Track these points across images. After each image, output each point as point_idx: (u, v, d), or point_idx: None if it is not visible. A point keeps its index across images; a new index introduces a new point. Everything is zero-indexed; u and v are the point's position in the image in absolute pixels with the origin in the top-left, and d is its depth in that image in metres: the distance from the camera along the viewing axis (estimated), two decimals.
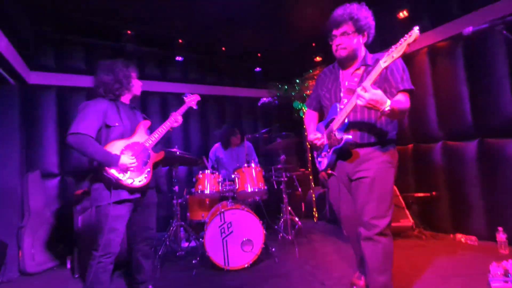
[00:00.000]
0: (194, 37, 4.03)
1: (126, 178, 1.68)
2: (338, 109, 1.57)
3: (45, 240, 2.94)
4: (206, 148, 4.10)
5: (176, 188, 3.00)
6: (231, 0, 3.15)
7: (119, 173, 1.66)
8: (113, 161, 1.64)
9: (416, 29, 1.19)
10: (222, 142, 3.62)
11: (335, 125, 1.55)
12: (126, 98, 1.92)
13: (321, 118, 1.86)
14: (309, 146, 3.99)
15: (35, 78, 3.40)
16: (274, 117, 5.28)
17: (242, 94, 5.00)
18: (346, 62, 1.63)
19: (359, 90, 1.29)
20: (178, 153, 2.95)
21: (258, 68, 4.86)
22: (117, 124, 1.75)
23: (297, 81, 4.35)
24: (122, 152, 1.71)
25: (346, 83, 1.59)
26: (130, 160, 1.69)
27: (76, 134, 1.63)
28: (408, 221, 2.92)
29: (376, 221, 1.46)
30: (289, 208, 3.22)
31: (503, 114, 2.54)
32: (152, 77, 4.21)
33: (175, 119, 2.03)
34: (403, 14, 3.24)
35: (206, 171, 2.88)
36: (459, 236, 2.77)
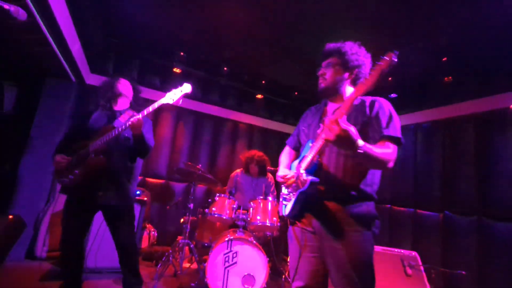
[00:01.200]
0: (239, 67, 4.29)
1: (58, 176, 1.84)
2: (309, 147, 1.36)
3: (58, 229, 3.06)
4: (230, 172, 4.15)
5: (191, 205, 3.02)
6: (279, 43, 3.37)
7: (56, 171, 1.85)
8: (52, 158, 1.86)
9: (392, 54, 1.11)
10: (244, 167, 3.65)
11: (304, 164, 1.33)
12: (117, 104, 2.07)
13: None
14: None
15: (92, 79, 3.78)
16: None
17: (273, 127, 5.11)
18: (327, 96, 1.49)
19: (328, 122, 1.10)
20: (200, 171, 3.02)
21: (293, 105, 4.99)
22: (83, 128, 1.96)
23: None
24: (69, 153, 1.87)
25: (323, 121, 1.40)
26: (59, 159, 1.84)
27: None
28: None
29: None
30: None
31: None
32: (192, 97, 4.49)
33: (131, 121, 1.83)
34: (447, 79, 3.23)
35: (223, 195, 2.88)
36: None
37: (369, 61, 1.45)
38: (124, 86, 2.08)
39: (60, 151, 1.88)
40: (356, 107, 1.36)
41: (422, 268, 2.79)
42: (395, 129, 1.28)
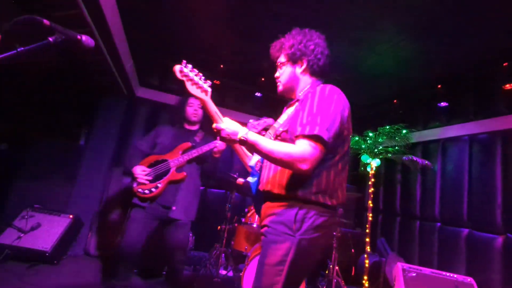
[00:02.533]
0: (273, 78, 4.33)
1: (136, 186, 1.95)
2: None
3: (110, 229, 3.33)
4: None
5: (228, 214, 3.08)
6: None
7: (132, 180, 1.98)
8: (130, 169, 2.00)
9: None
10: None
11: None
12: (187, 125, 2.23)
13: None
14: (370, 205, 3.67)
15: (141, 92, 4.11)
16: None
17: None
18: (287, 97, 1.38)
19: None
20: (237, 180, 3.07)
21: None
22: (159, 142, 2.12)
23: (370, 134, 4.17)
24: (148, 165, 2.01)
25: (280, 121, 1.35)
26: (140, 171, 1.95)
27: (132, 145, 2.21)
28: None
29: None
30: (337, 268, 2.93)
31: None
32: (229, 107, 4.63)
33: (215, 143, 2.01)
34: (510, 86, 2.89)
35: None
36: None
37: (319, 41, 1.30)
38: (195, 107, 2.20)
39: (136, 160, 2.04)
40: (300, 102, 1.21)
41: None
42: (314, 124, 1.07)
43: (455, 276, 2.64)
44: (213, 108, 1.25)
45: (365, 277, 3.74)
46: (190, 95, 1.23)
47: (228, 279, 3.08)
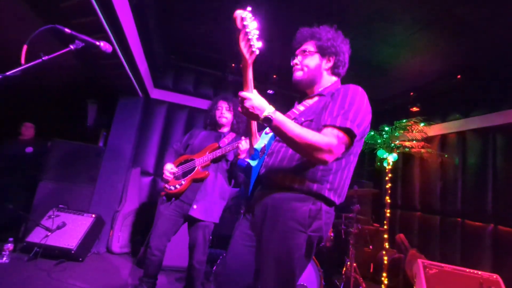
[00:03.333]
0: (286, 75, 4.31)
1: (164, 182, 2.08)
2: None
3: (130, 227, 3.45)
4: None
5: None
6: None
7: (162, 176, 2.11)
8: (164, 165, 2.11)
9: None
10: None
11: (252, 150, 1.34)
12: (218, 127, 2.29)
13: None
14: (388, 201, 3.59)
15: (156, 93, 4.20)
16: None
17: None
18: (303, 87, 1.30)
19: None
20: None
21: None
22: (191, 143, 2.23)
23: (386, 128, 4.07)
24: (178, 164, 2.13)
25: (299, 112, 1.27)
26: (169, 168, 2.07)
27: (170, 146, 2.34)
28: None
29: None
30: (355, 264, 2.90)
31: None
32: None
33: (237, 144, 1.96)
34: None
35: None
36: None
37: (348, 48, 1.30)
38: (223, 110, 2.23)
39: (169, 159, 2.17)
40: (324, 98, 1.20)
41: None
42: (347, 118, 1.06)
43: (480, 273, 2.55)
44: (250, 74, 1.13)
45: (384, 274, 3.67)
46: (238, 49, 1.11)
47: None
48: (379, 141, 4.15)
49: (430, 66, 3.42)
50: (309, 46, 1.28)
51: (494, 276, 2.53)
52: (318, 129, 1.08)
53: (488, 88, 3.33)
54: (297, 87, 1.31)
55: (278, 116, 1.03)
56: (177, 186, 2.02)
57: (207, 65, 4.38)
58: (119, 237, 3.29)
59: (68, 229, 2.87)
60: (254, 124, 1.31)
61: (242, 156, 1.94)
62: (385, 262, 3.72)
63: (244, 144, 1.92)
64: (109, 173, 3.53)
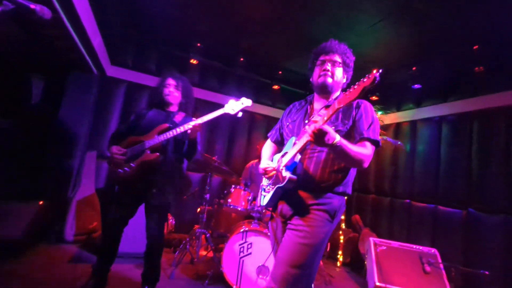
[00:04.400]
0: (255, 58, 4.24)
1: (114, 166, 1.95)
2: (292, 144, 1.41)
3: (84, 214, 3.23)
4: (246, 163, 4.18)
5: (207, 196, 3.08)
6: (298, 33, 3.28)
7: (110, 160, 1.96)
8: (108, 149, 2.00)
9: (376, 73, 1.10)
10: (259, 159, 3.66)
11: (285, 160, 1.40)
12: (166, 105, 2.16)
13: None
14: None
15: (113, 71, 3.88)
16: None
17: None
18: (324, 92, 1.50)
19: (311, 126, 1.16)
20: (216, 163, 3.06)
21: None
22: (138, 124, 2.09)
23: None
24: (125, 145, 2.00)
25: (313, 117, 1.45)
26: (116, 151, 1.94)
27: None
28: None
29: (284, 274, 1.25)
30: None
31: None
32: (210, 88, 4.51)
33: (190, 125, 1.93)
34: (479, 69, 3.02)
35: (238, 186, 2.91)
36: None
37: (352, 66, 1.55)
38: (171, 88, 2.13)
39: (114, 142, 2.01)
40: (343, 109, 1.34)
41: (441, 266, 2.72)
42: (375, 132, 1.36)
43: (421, 248, 2.85)
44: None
45: (340, 252, 3.95)
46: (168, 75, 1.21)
47: (208, 259, 3.14)
48: None
49: (389, 57, 3.58)
50: (338, 58, 1.47)
51: (432, 250, 2.85)
52: (352, 137, 1.36)
53: (438, 79, 3.60)
54: (323, 89, 1.49)
55: (343, 140, 1.21)
56: (126, 169, 1.92)
57: (172, 44, 4.12)
58: (72, 225, 3.08)
59: (12, 218, 2.61)
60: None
61: (193, 137, 1.99)
62: (341, 241, 3.99)
63: (195, 124, 1.92)
64: (59, 157, 3.24)
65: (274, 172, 1.44)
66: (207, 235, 3.00)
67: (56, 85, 3.44)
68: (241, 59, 4.23)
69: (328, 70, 1.45)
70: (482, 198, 2.87)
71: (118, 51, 3.90)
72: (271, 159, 1.60)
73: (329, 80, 1.45)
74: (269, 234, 2.53)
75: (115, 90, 3.93)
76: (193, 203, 3.93)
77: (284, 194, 1.40)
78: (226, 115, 2.10)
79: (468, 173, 3.06)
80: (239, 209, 2.80)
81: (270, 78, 4.66)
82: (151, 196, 1.96)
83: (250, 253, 2.49)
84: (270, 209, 1.51)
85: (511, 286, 2.49)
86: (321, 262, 3.12)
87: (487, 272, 2.60)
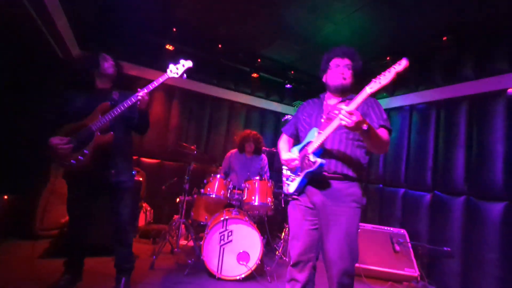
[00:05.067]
0: (234, 45, 4.16)
1: (61, 159, 1.74)
2: (316, 133, 1.58)
3: (54, 207, 3.07)
4: (225, 152, 4.16)
5: (187, 185, 3.05)
6: (277, 20, 3.25)
7: (54, 153, 1.73)
8: (47, 141, 1.74)
9: (404, 60, 1.31)
10: (239, 147, 3.66)
11: (311, 148, 1.54)
12: (100, 83, 1.98)
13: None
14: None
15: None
16: None
17: (270, 107, 5.07)
18: (338, 92, 1.70)
19: (343, 111, 1.31)
20: (195, 151, 3.01)
21: (289, 85, 4.90)
22: (75, 108, 1.88)
23: None
24: (65, 134, 1.78)
25: (329, 112, 1.65)
26: (58, 141, 1.72)
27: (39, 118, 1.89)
28: (413, 271, 2.77)
29: (345, 279, 1.44)
30: None
31: None
32: (187, 76, 4.37)
33: (137, 96, 1.86)
34: (447, 59, 3.17)
35: (218, 175, 2.91)
36: None
37: None
38: (108, 64, 1.98)
39: (48, 133, 1.78)
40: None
41: (410, 245, 2.92)
42: (387, 122, 1.57)
43: (391, 229, 3.04)
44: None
45: None
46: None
47: (188, 248, 3.14)
48: None
49: (366, 46, 3.67)
50: (351, 63, 1.66)
51: (402, 231, 3.05)
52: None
53: (409, 69, 3.74)
54: (337, 89, 1.68)
55: (369, 124, 1.37)
56: (80, 157, 1.76)
57: (146, 29, 3.92)
58: (43, 219, 2.93)
59: None
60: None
61: (143, 107, 1.92)
62: None
63: (144, 94, 1.86)
64: (28, 148, 3.02)
65: (297, 162, 1.60)
66: (187, 225, 2.99)
67: (21, 72, 3.16)
68: (219, 46, 4.14)
69: (343, 74, 1.65)
70: (446, 181, 3.08)
71: (86, 35, 3.65)
72: (289, 151, 1.72)
73: (344, 82, 1.65)
74: (249, 221, 2.57)
75: (83, 75, 3.69)
76: (172, 193, 3.87)
77: (314, 179, 1.56)
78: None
79: (435, 158, 3.27)
80: (219, 198, 2.80)
81: (249, 66, 4.60)
82: (111, 178, 1.87)
83: (230, 241, 2.52)
84: (295, 195, 1.64)
85: (469, 259, 2.74)
86: None
87: (449, 249, 2.84)
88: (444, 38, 3.11)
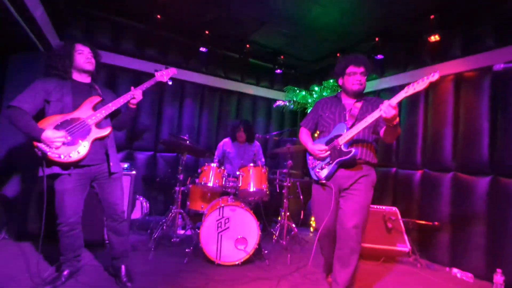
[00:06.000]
0: (222, 31, 4.06)
1: (53, 153, 1.69)
2: (345, 128, 1.89)
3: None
4: (217, 141, 4.14)
5: (181, 176, 3.05)
6: (264, 4, 3.17)
7: (46, 147, 1.68)
8: (36, 134, 1.65)
9: (437, 73, 1.54)
10: (231, 136, 3.65)
11: (342, 140, 1.87)
12: (79, 76, 1.93)
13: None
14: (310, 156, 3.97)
15: None
16: (288, 121, 5.29)
17: (260, 93, 5.03)
18: (355, 96, 2.01)
19: (386, 104, 1.61)
20: (187, 142, 2.99)
21: (279, 70, 4.85)
22: (55, 100, 1.80)
23: (316, 88, 4.33)
24: (54, 127, 1.72)
25: (351, 110, 1.99)
26: (55, 134, 1.67)
27: (10, 107, 1.72)
28: (405, 246, 2.88)
29: (356, 230, 1.84)
30: (288, 213, 3.22)
31: None
32: (173, 64, 4.28)
33: (132, 94, 1.97)
34: (434, 38, 3.17)
35: (212, 164, 2.91)
36: (455, 270, 2.72)
37: None
38: (84, 55, 1.90)
39: (33, 125, 1.69)
40: (372, 100, 2.01)
41: (401, 222, 3.02)
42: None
43: (384, 207, 3.13)
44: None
45: (312, 218, 4.20)
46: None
47: (186, 237, 3.18)
48: (309, 100, 4.42)
49: (354, 28, 3.64)
50: (365, 71, 1.96)
51: (393, 209, 3.14)
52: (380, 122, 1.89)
53: (397, 50, 3.75)
54: (354, 93, 2.00)
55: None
56: (79, 151, 1.75)
57: (129, 16, 3.78)
58: (36, 218, 2.89)
59: None
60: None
61: (133, 106, 2.03)
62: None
63: (138, 93, 1.99)
64: (12, 145, 2.94)
65: (328, 152, 1.91)
66: (184, 215, 3.01)
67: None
68: (206, 32, 4.03)
69: (360, 80, 1.95)
70: (435, 158, 3.17)
71: (66, 24, 3.50)
72: (313, 143, 2.04)
73: (361, 87, 1.96)
74: (245, 208, 2.61)
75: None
76: (167, 184, 3.87)
77: (343, 166, 1.89)
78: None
79: (424, 137, 3.34)
80: (214, 186, 2.82)
81: (237, 53, 4.52)
82: (109, 169, 1.93)
83: (228, 228, 2.56)
84: (325, 181, 1.94)
85: (456, 232, 2.87)
86: (295, 229, 3.31)
87: (437, 223, 2.96)
88: (432, 17, 3.11)
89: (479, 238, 2.67)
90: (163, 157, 4.22)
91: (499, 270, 2.32)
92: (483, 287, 2.44)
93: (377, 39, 3.70)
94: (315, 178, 2.01)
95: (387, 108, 1.59)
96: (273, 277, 2.35)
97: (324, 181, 1.94)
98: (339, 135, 1.89)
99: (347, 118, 1.96)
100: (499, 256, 2.50)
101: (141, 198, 3.67)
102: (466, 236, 2.77)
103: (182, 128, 4.33)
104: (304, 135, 2.19)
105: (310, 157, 2.07)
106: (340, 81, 2.06)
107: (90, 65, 1.92)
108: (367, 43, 3.85)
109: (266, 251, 2.72)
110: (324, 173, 1.93)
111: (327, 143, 1.95)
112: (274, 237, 3.26)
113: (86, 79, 1.96)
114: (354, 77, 1.95)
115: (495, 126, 2.69)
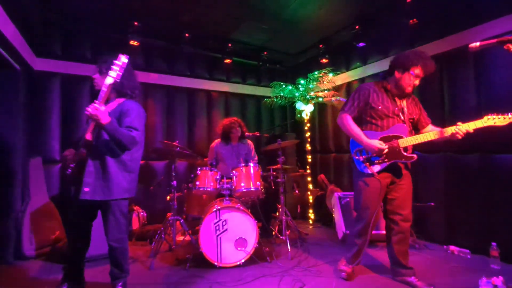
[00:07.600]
0: (201, 32, 4.02)
1: (63, 169, 1.94)
2: (407, 131, 2.02)
3: (42, 226, 2.99)
4: (209, 143, 4.12)
5: (175, 182, 3.02)
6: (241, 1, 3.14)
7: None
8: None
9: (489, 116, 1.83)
10: (222, 137, 3.64)
11: (404, 143, 1.99)
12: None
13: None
14: (309, 147, 3.97)
15: (40, 64, 3.42)
16: (277, 117, 5.30)
17: (248, 91, 5.02)
18: (403, 95, 2.09)
19: (464, 131, 1.88)
20: (178, 148, 2.97)
21: (263, 67, 4.83)
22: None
23: (302, 81, 4.33)
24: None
25: (402, 109, 2.07)
26: (66, 153, 1.89)
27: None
28: None
29: (410, 216, 2.12)
30: (285, 209, 3.23)
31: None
32: (157, 70, 4.23)
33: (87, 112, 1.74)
34: (413, 21, 3.20)
35: (205, 168, 2.89)
36: (452, 248, 2.77)
37: None
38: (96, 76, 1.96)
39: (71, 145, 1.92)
40: (409, 100, 2.13)
41: None
42: None
43: None
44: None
45: (310, 210, 4.23)
46: None
47: (186, 243, 3.16)
48: (296, 94, 4.42)
49: (334, 17, 3.64)
50: (422, 77, 2.01)
51: None
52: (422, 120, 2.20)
53: (379, 36, 3.77)
54: (404, 93, 2.06)
55: None
56: (68, 170, 1.83)
57: (106, 25, 3.71)
58: (31, 239, 2.85)
59: None
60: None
61: (98, 124, 1.73)
62: (310, 200, 4.26)
63: (91, 111, 1.71)
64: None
65: (386, 150, 1.96)
66: (181, 221, 2.99)
67: None
68: (186, 34, 3.99)
69: (415, 85, 2.00)
70: None
71: (42, 40, 3.42)
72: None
73: (409, 91, 2.04)
74: (242, 208, 2.61)
75: (49, 85, 3.50)
76: (161, 192, 3.84)
77: (393, 164, 2.03)
78: None
79: None
80: (209, 189, 2.80)
81: (221, 52, 4.48)
82: (85, 195, 1.86)
83: (226, 230, 2.56)
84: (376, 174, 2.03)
85: (451, 212, 2.92)
86: (295, 222, 3.33)
87: (432, 204, 3.01)
88: (408, 1, 3.13)
89: (473, 215, 2.72)
90: (155, 165, 4.18)
91: (494, 244, 2.37)
92: (480, 262, 2.49)
93: (357, 27, 3.71)
94: (362, 171, 2.07)
95: (458, 132, 1.88)
96: (276, 273, 2.36)
97: (375, 175, 2.00)
98: (400, 137, 1.99)
99: (403, 118, 2.05)
100: (493, 231, 2.55)
101: (138, 208, 3.63)
102: (461, 214, 2.82)
103: (171, 134, 4.29)
104: (351, 123, 2.11)
105: (357, 148, 2.09)
106: (397, 74, 2.00)
107: (96, 86, 1.95)
108: (348, 31, 3.86)
109: (267, 249, 2.73)
110: (376, 168, 2.02)
111: (383, 140, 2.00)
112: (273, 233, 3.27)
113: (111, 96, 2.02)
114: (414, 79, 1.97)
115: (482, 101, 2.73)
